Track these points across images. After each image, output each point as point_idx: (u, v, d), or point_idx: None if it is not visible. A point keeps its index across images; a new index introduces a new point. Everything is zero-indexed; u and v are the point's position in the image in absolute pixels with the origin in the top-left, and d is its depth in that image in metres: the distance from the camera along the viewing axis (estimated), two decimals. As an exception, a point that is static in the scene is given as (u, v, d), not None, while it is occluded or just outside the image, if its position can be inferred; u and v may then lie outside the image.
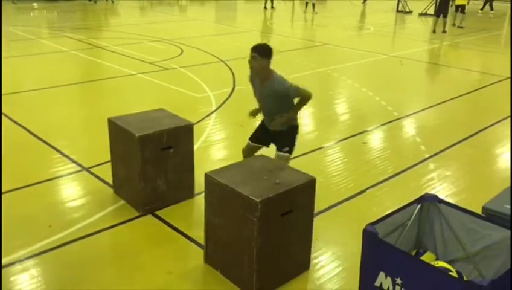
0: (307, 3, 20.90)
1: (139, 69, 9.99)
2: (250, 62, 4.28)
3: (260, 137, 4.72)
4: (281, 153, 4.49)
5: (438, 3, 16.58)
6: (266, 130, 4.65)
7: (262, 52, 4.25)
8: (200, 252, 3.92)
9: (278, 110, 4.44)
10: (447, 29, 16.07)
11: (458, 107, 8.50)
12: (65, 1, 22.19)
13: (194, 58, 11.39)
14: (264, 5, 21.55)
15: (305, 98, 4.37)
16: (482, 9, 22.43)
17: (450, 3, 16.75)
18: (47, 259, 3.90)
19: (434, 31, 15.98)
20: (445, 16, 15.87)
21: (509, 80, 10.08)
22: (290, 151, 4.51)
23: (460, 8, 17.11)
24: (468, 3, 17.86)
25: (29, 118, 6.97)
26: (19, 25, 15.22)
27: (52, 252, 3.97)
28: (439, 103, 8.46)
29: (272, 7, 21.58)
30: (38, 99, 8.19)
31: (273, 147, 4.63)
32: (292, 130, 4.56)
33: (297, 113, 4.50)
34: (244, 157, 4.74)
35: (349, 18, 20.22)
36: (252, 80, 4.53)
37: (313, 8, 20.42)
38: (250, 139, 4.76)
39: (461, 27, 17.27)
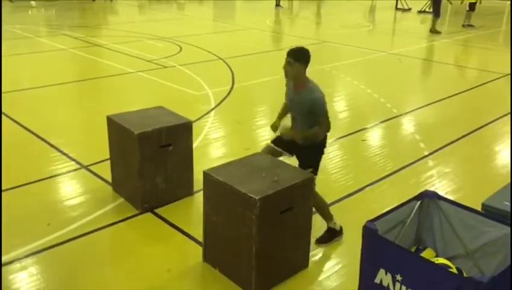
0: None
1: (138, 67, 9.97)
2: (284, 67, 3.94)
3: (282, 142, 4.22)
4: None
5: (436, 4, 15.74)
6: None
7: (297, 57, 3.87)
8: (199, 250, 3.91)
9: (303, 123, 4.01)
10: (436, 29, 15.62)
11: (457, 105, 8.49)
12: (63, -1, 22.16)
13: (192, 56, 11.37)
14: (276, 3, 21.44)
15: (319, 129, 3.93)
16: None
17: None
18: (45, 257, 3.89)
19: (438, 32, 15.47)
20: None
21: (507, 76, 10.09)
22: (314, 172, 3.98)
23: (470, 6, 16.69)
24: (480, 2, 17.12)
25: (27, 116, 6.95)
26: (16, 24, 15.17)
27: (51, 251, 3.96)
28: (438, 100, 8.45)
29: (279, 5, 21.41)
30: (37, 97, 8.16)
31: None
32: (313, 148, 4.06)
33: (301, 137, 3.97)
34: None
35: (348, 15, 20.21)
36: (288, 82, 4.16)
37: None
38: (273, 140, 4.32)
39: (470, 26, 16.89)
